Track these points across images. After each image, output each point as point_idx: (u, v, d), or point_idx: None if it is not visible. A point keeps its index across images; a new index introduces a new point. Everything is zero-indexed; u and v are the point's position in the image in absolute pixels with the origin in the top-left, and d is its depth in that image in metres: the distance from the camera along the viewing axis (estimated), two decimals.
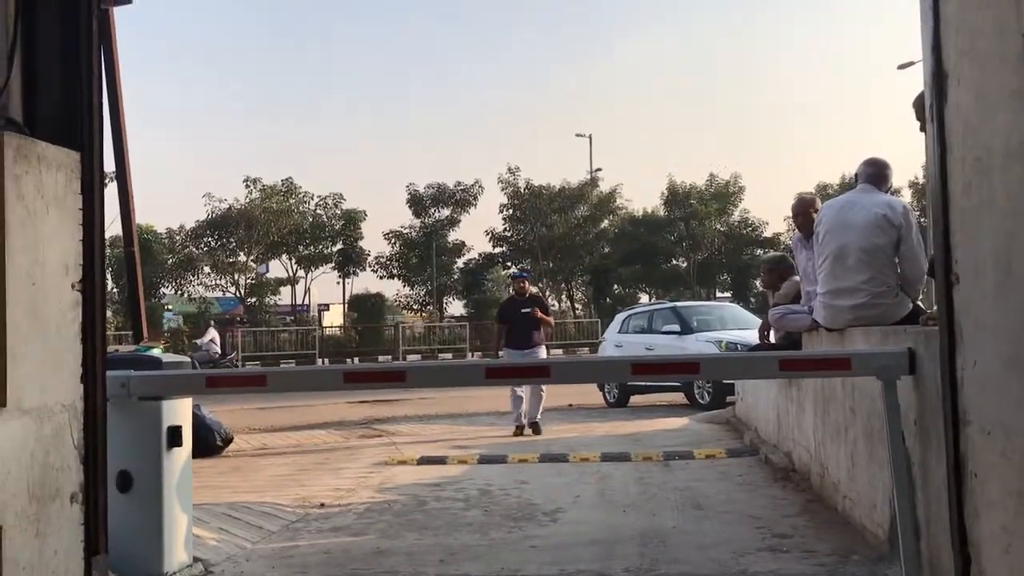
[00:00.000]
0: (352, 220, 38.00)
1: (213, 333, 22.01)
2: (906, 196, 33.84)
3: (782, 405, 6.93)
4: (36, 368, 2.79)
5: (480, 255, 39.93)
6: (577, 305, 42.12)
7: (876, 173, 5.13)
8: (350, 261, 38.66)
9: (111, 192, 6.07)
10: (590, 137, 41.36)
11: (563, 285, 40.72)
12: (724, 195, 38.54)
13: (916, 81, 3.68)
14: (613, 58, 71.43)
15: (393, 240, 38.69)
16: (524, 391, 9.84)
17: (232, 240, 35.99)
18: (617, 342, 14.49)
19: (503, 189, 37.67)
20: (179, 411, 4.21)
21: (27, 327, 2.75)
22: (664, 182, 40.03)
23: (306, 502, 6.06)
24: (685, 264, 39.32)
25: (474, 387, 10.80)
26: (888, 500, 3.83)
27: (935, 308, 3.22)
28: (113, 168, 8.35)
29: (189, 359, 9.90)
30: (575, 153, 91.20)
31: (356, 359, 30.17)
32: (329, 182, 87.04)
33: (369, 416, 13.07)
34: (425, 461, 7.91)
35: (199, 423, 7.95)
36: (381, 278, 39.21)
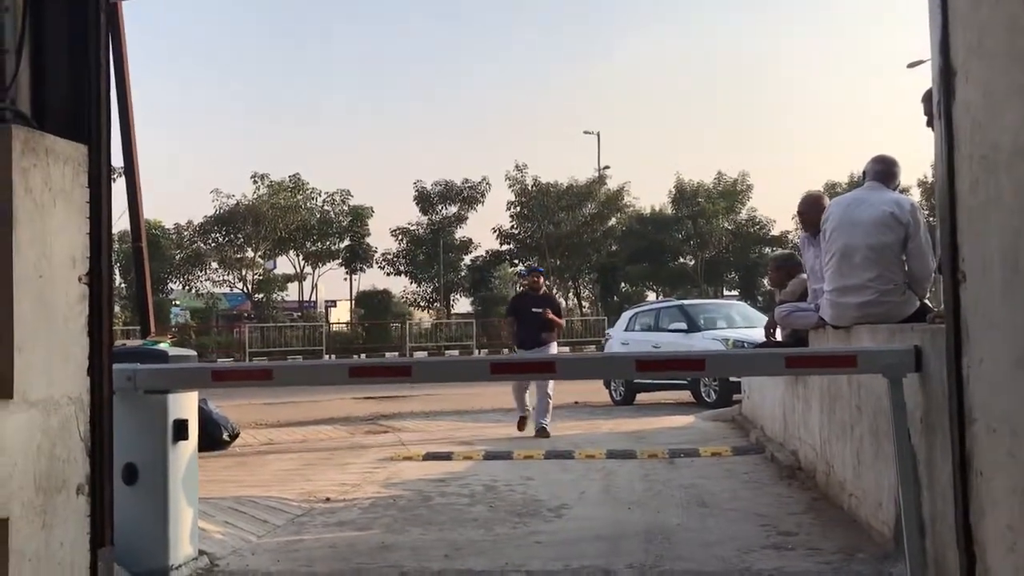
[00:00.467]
0: (359, 216, 38.10)
1: None
2: (915, 194, 33.73)
3: (788, 403, 6.92)
4: (43, 361, 2.80)
5: (487, 252, 40.01)
6: (584, 303, 42.12)
7: (884, 171, 5.10)
8: (357, 257, 38.78)
9: (119, 187, 6.08)
10: (598, 135, 40.93)
11: (570, 283, 40.72)
12: (732, 193, 38.50)
13: (924, 79, 3.66)
14: (613, 58, 71.49)
15: (400, 237, 38.77)
16: (531, 390, 9.67)
17: (240, 236, 36.15)
18: (624, 340, 14.51)
19: (510, 186, 37.72)
20: (185, 405, 4.22)
21: (34, 320, 2.76)
22: (670, 180, 40.01)
23: (311, 497, 6.07)
24: (692, 262, 39.30)
25: (479, 383, 10.78)
26: (894, 498, 3.82)
27: (943, 306, 3.20)
28: (121, 162, 8.36)
29: (195, 353, 9.89)
30: (577, 152, 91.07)
31: (363, 355, 30.26)
32: (331, 181, 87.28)
33: (375, 412, 13.11)
34: (430, 457, 7.92)
35: (206, 418, 7.97)
36: (388, 275, 39.36)
